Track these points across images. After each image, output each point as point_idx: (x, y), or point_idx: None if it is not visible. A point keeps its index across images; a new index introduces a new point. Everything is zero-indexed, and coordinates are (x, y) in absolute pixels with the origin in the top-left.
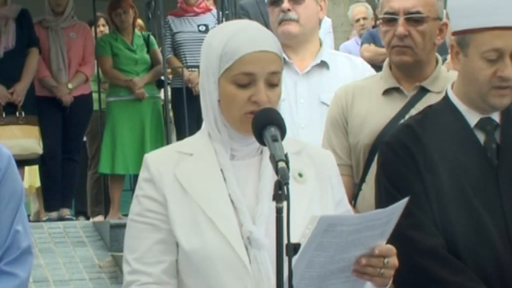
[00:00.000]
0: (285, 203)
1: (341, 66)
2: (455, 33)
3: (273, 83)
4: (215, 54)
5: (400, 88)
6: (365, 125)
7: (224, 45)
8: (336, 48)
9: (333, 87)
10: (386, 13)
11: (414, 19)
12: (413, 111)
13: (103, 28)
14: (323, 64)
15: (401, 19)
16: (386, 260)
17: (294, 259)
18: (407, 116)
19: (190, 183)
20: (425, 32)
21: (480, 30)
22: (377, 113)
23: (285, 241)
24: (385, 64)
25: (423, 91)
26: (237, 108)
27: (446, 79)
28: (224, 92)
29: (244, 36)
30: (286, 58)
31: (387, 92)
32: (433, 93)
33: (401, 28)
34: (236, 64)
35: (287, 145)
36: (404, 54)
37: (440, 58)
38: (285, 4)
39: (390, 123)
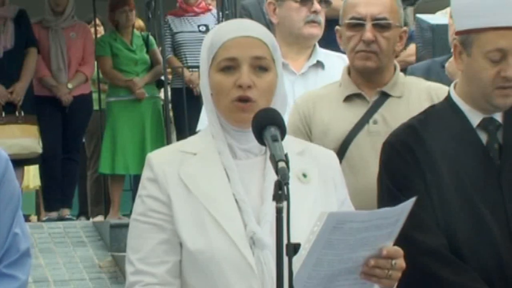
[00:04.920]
0: (285, 203)
1: (336, 66)
2: (458, 33)
3: (260, 66)
4: (205, 48)
5: (361, 94)
6: (329, 131)
7: (212, 37)
8: None
9: None
10: (353, 18)
11: (380, 25)
12: (376, 116)
13: (98, 28)
14: (318, 64)
15: (368, 25)
16: (393, 262)
17: (299, 258)
18: (370, 121)
19: (194, 183)
20: (390, 39)
21: (483, 30)
22: (340, 119)
23: (285, 241)
24: (344, 71)
25: (384, 96)
26: (224, 96)
27: (404, 84)
28: (213, 83)
29: (228, 25)
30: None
31: (348, 98)
32: (394, 98)
33: (369, 34)
34: (220, 51)
35: (291, 145)
36: (368, 59)
37: (397, 65)
38: (318, 6)
39: (354, 128)
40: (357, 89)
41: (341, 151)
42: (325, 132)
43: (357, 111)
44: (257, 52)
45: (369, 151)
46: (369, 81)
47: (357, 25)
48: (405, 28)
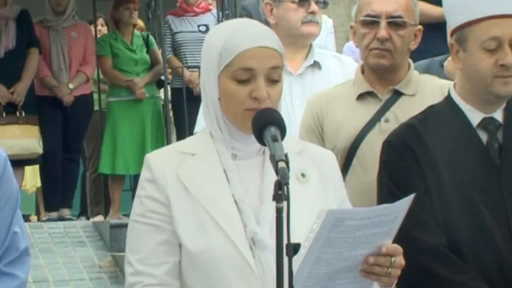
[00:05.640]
0: (285, 203)
1: (332, 66)
2: (454, 31)
3: (273, 79)
4: (214, 51)
5: (374, 92)
6: (341, 129)
7: (223, 42)
8: (339, 48)
9: (326, 87)
10: (367, 15)
11: (395, 23)
12: (388, 114)
13: (102, 27)
14: (315, 64)
15: (383, 23)
16: (393, 259)
17: (298, 257)
18: (382, 119)
19: (193, 184)
20: (405, 37)
21: (476, 22)
22: (352, 118)
23: (285, 241)
24: (357, 70)
25: (397, 94)
26: (237, 105)
27: (418, 82)
28: (224, 89)
29: (244, 33)
30: None
31: (361, 96)
32: (407, 96)
33: (383, 31)
34: (236, 60)
35: (290, 145)
36: (382, 57)
37: (412, 63)
38: (315, 7)
39: (366, 126)
40: (369, 87)
41: (352, 149)
42: (337, 131)
43: (370, 109)
44: (273, 63)
45: (380, 149)
46: (382, 79)
47: (372, 22)
48: (419, 26)
